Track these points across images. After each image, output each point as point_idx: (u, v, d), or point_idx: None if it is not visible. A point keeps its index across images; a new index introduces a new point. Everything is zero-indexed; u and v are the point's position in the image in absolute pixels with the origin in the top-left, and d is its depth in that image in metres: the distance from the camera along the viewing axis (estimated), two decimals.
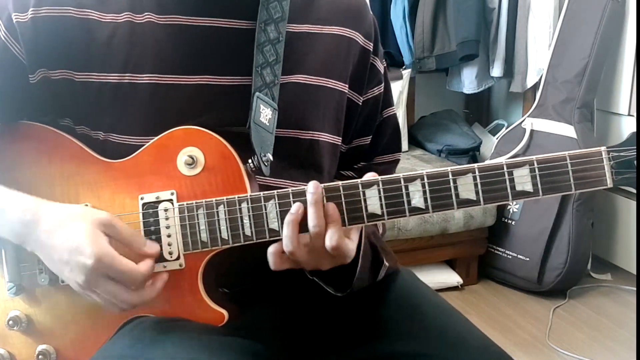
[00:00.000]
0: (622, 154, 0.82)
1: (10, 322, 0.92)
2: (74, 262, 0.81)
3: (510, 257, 2.55)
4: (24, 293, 0.92)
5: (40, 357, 0.92)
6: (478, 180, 0.83)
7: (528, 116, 2.64)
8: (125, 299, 0.83)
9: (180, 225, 0.88)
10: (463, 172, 0.84)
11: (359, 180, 0.85)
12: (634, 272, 2.57)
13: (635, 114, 2.49)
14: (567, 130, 2.49)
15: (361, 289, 0.97)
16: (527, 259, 2.49)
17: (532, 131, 2.60)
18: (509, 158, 2.60)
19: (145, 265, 0.84)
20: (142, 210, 0.88)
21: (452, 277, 2.56)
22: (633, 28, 2.46)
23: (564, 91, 2.53)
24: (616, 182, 0.83)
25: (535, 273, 2.46)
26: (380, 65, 1.07)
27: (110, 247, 0.82)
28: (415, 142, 3.04)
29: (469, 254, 2.59)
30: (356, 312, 0.97)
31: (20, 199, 0.87)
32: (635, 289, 2.50)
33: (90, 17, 0.91)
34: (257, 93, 0.92)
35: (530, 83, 2.79)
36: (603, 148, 0.83)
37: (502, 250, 2.58)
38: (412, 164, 2.73)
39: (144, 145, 0.90)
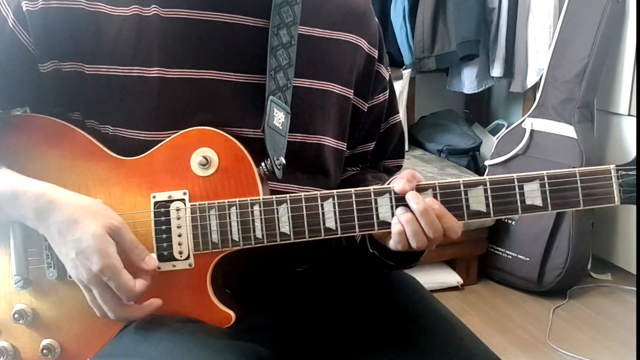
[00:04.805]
0: (630, 172, 0.84)
1: (16, 316, 0.91)
2: (79, 263, 0.82)
3: (510, 257, 2.55)
4: (30, 287, 0.91)
5: (44, 351, 0.91)
6: (489, 192, 0.85)
7: (528, 116, 2.64)
8: (114, 310, 0.84)
9: (192, 225, 0.88)
10: (474, 184, 0.86)
11: (371, 189, 0.86)
12: (634, 272, 2.58)
13: (635, 114, 2.49)
14: (567, 130, 2.49)
15: (365, 295, 1.00)
16: (527, 259, 2.49)
17: (532, 131, 2.59)
18: (509, 158, 2.61)
19: (140, 285, 0.84)
20: (154, 209, 0.88)
21: (452, 277, 2.56)
22: (633, 28, 2.46)
23: (564, 91, 2.53)
24: (623, 201, 0.85)
25: (535, 273, 2.46)
26: (386, 72, 1.08)
27: (116, 259, 0.82)
28: (415, 142, 3.04)
29: (468, 254, 2.59)
30: (359, 319, 0.97)
31: (35, 185, 0.87)
32: (635, 289, 2.51)
33: (100, 9, 0.91)
34: (271, 97, 0.92)
35: (530, 83, 2.79)
36: (612, 166, 0.85)
37: (502, 250, 2.58)
38: (412, 164, 2.73)
39: (153, 140, 0.90)
